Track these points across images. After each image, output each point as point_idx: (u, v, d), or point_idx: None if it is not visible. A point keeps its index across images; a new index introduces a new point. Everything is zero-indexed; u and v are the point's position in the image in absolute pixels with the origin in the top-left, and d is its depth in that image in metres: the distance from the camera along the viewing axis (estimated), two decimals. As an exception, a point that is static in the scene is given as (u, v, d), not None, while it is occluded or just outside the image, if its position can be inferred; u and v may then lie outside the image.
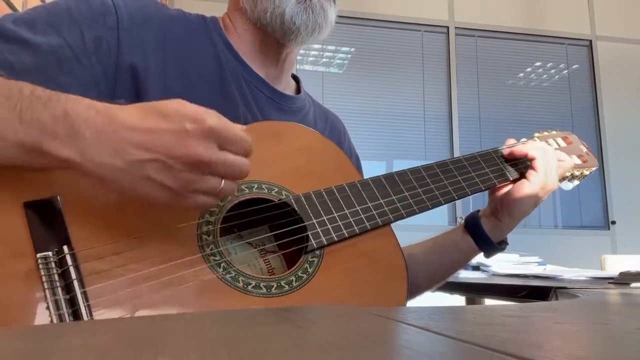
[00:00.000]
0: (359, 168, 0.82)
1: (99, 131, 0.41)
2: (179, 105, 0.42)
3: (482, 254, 0.76)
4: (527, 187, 0.70)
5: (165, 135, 0.41)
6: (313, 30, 0.65)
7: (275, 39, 0.67)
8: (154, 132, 0.41)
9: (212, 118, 0.42)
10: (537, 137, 0.81)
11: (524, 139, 0.78)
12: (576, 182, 0.81)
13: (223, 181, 0.44)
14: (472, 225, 0.74)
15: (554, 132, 0.83)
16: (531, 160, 0.71)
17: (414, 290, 0.75)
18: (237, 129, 0.44)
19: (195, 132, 0.41)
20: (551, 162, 0.72)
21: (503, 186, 0.73)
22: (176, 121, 0.41)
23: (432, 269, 0.77)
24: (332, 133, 0.80)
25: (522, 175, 0.72)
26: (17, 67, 0.50)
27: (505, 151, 0.73)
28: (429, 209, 0.63)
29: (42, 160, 0.41)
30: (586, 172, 0.80)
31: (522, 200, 0.70)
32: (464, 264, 0.77)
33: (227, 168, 0.43)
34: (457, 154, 3.06)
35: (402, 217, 0.61)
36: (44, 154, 0.41)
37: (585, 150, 0.82)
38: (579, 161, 0.79)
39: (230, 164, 0.43)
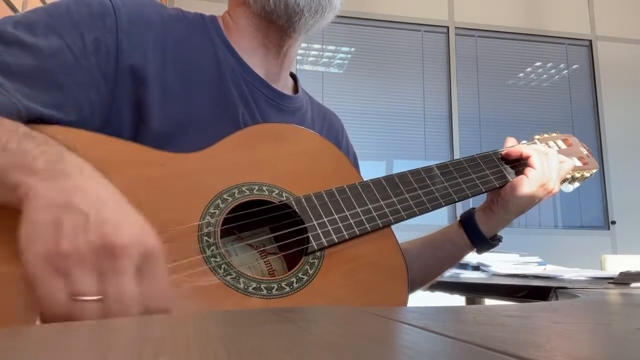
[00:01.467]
0: (356, 166, 0.82)
1: (75, 179, 0.40)
2: (147, 222, 0.40)
3: (475, 250, 0.76)
4: (524, 182, 0.71)
5: (116, 213, 0.38)
6: (316, 11, 0.65)
7: (279, 27, 0.67)
8: (111, 205, 0.39)
9: (160, 246, 0.39)
10: (538, 139, 0.81)
11: (524, 141, 0.79)
12: (577, 184, 0.81)
13: (96, 298, 0.35)
14: (466, 219, 0.75)
15: (554, 135, 0.83)
16: (526, 158, 0.72)
17: (411, 285, 0.75)
18: (167, 279, 0.40)
19: (139, 236, 0.38)
20: (550, 161, 0.73)
21: None
22: (136, 219, 0.39)
23: (425, 263, 0.77)
24: (330, 131, 0.80)
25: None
26: (16, 70, 0.49)
27: (503, 152, 0.74)
28: (429, 210, 0.64)
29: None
30: (586, 174, 0.80)
31: (518, 195, 0.71)
32: (458, 259, 0.77)
33: (119, 289, 0.36)
34: (457, 153, 3.06)
35: (402, 219, 0.61)
36: (3, 180, 0.39)
37: (585, 152, 0.82)
38: (579, 163, 0.80)
39: (125, 290, 0.36)
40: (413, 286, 0.77)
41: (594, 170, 0.81)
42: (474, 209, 0.77)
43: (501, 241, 0.76)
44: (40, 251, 0.35)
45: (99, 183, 0.41)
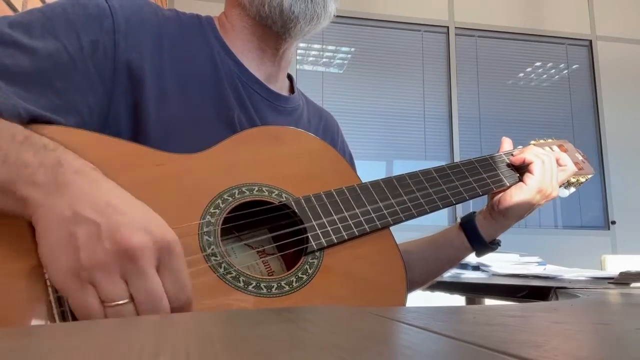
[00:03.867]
0: (352, 165, 0.83)
1: (78, 187, 0.39)
2: (157, 215, 0.41)
3: (475, 253, 0.77)
4: (523, 190, 0.72)
5: (126, 214, 0.38)
6: (311, 19, 0.65)
7: (274, 32, 0.67)
8: (119, 206, 0.39)
9: (176, 238, 0.40)
10: (533, 144, 0.82)
11: (520, 147, 0.79)
12: (572, 190, 0.83)
13: (126, 301, 0.37)
14: (467, 223, 0.76)
15: (549, 140, 0.84)
16: (528, 164, 0.73)
17: (409, 285, 0.76)
18: (187, 271, 0.40)
19: (152, 232, 0.38)
20: (550, 167, 0.73)
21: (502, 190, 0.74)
22: (145, 215, 0.40)
23: (427, 265, 0.78)
24: (326, 131, 0.81)
25: (520, 180, 0.74)
26: (14, 72, 0.49)
27: (508, 159, 0.75)
28: (427, 212, 0.64)
29: (5, 201, 0.40)
30: (582, 179, 0.82)
31: (517, 203, 0.72)
32: (459, 260, 0.79)
33: (144, 289, 0.37)
34: (457, 154, 3.06)
35: (400, 221, 0.62)
36: (9, 194, 0.39)
37: (581, 157, 0.84)
38: (575, 168, 0.80)
39: (151, 289, 0.37)
40: (414, 286, 0.78)
41: (589, 176, 0.83)
42: (474, 213, 0.78)
43: (500, 245, 0.78)
44: (63, 268, 0.36)
45: (100, 185, 0.40)
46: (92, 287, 0.36)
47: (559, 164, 0.77)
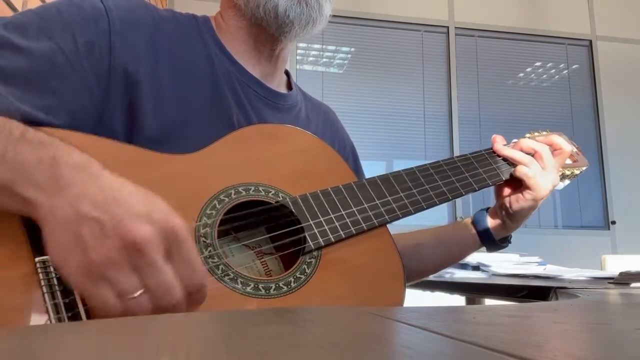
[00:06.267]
0: (355, 159, 0.83)
1: (77, 184, 0.39)
2: (160, 200, 0.40)
3: (486, 250, 0.80)
4: (526, 198, 0.72)
5: (127, 205, 0.38)
6: (307, 23, 0.65)
7: (270, 34, 0.67)
8: (119, 198, 0.39)
9: (181, 223, 0.39)
10: (528, 137, 0.81)
11: (515, 140, 0.79)
12: (567, 182, 0.83)
13: (141, 292, 0.37)
14: (478, 221, 0.78)
15: (544, 132, 0.84)
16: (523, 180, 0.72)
17: (421, 273, 0.83)
18: (197, 254, 0.40)
19: (156, 220, 0.38)
20: (545, 165, 0.73)
21: (504, 187, 0.75)
22: (147, 204, 0.39)
23: (439, 258, 0.82)
24: (326, 124, 0.81)
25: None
26: (9, 73, 0.49)
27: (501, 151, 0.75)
28: (424, 209, 0.64)
29: (9, 201, 0.40)
30: (576, 172, 0.82)
31: (521, 207, 0.73)
32: (470, 253, 0.82)
33: (157, 279, 0.37)
34: (457, 153, 3.05)
35: (397, 218, 0.62)
36: (13, 194, 0.39)
37: (575, 150, 0.83)
38: (569, 160, 0.80)
39: (163, 278, 0.38)
40: (426, 273, 0.84)
41: (584, 168, 0.82)
42: (487, 209, 0.79)
43: (510, 242, 0.80)
44: (75, 267, 0.37)
45: (99, 179, 0.40)
46: (106, 284, 0.37)
47: (553, 149, 0.76)
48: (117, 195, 0.39)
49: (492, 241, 0.77)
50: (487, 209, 0.79)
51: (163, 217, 0.39)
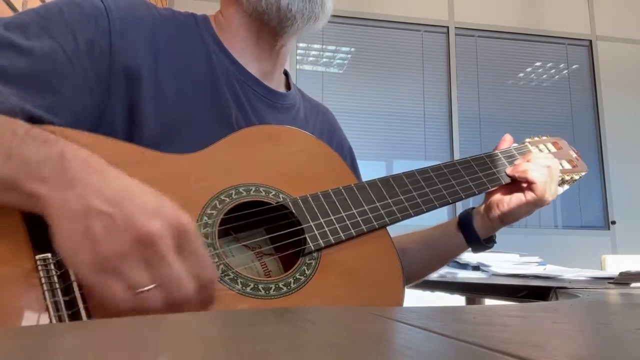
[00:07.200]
0: (352, 160, 0.83)
1: (86, 179, 0.39)
2: (166, 198, 0.41)
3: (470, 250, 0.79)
4: (522, 203, 0.72)
5: (137, 201, 0.38)
6: (309, 18, 0.65)
7: (271, 29, 0.67)
8: (128, 194, 0.39)
9: (189, 219, 0.40)
10: (528, 142, 0.82)
11: (515, 144, 0.79)
12: (566, 187, 0.83)
13: (152, 287, 0.37)
14: (464, 220, 0.77)
15: (544, 138, 0.84)
16: (531, 184, 0.72)
17: (410, 278, 0.80)
18: (205, 251, 0.41)
19: (166, 216, 0.38)
20: (553, 178, 0.73)
21: (498, 188, 0.75)
22: (156, 200, 0.39)
23: (426, 263, 0.81)
24: (324, 125, 0.81)
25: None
26: (11, 73, 0.49)
27: (508, 171, 0.74)
28: (424, 212, 0.65)
29: (11, 196, 0.40)
30: (576, 177, 0.82)
31: (516, 210, 0.73)
32: (455, 257, 0.82)
33: (168, 272, 0.38)
34: (457, 153, 3.06)
35: (397, 220, 0.62)
36: (18, 191, 0.39)
37: (574, 155, 0.84)
38: (569, 166, 0.81)
39: (174, 272, 0.38)
40: (410, 281, 0.81)
41: (583, 173, 0.83)
42: (472, 209, 0.78)
43: (495, 242, 0.79)
44: (86, 262, 0.37)
45: (107, 174, 0.40)
46: (116, 277, 0.36)
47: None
48: (127, 191, 0.39)
49: (478, 241, 0.76)
50: (472, 209, 0.78)
51: (173, 213, 0.39)
